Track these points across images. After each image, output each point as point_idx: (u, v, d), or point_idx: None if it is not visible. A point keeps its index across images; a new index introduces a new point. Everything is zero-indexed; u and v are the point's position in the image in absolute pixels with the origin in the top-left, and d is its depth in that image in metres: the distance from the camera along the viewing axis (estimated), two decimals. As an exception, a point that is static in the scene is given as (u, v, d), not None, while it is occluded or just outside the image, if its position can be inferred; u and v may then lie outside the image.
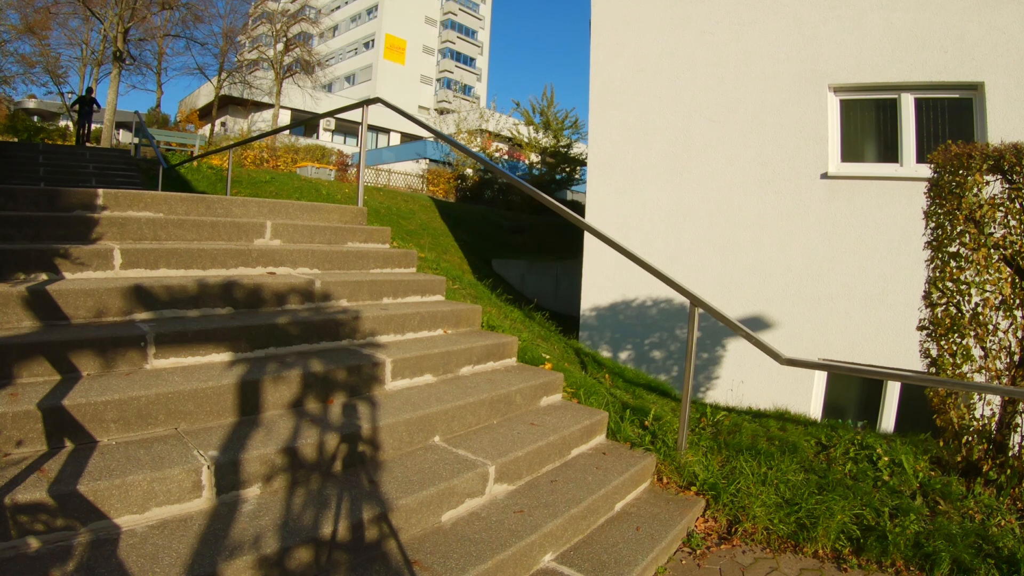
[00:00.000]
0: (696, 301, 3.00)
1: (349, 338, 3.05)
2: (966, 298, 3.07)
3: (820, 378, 6.25)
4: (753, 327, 6.26)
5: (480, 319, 3.92)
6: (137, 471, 1.77)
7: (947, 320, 3.13)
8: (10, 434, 1.80)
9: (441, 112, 43.26)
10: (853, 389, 6.38)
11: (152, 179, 9.83)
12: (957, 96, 5.90)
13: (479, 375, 3.26)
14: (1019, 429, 3.00)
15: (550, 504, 2.39)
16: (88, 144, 14.40)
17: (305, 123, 10.80)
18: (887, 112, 6.24)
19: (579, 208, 14.29)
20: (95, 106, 15.60)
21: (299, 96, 29.61)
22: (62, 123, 29.00)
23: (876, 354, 5.92)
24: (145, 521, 1.76)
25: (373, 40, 45.79)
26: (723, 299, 6.45)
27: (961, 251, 3.08)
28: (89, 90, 16.20)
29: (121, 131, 28.27)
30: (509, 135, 23.67)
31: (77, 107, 15.06)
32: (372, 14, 46.16)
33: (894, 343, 5.80)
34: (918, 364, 3.42)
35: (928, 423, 3.42)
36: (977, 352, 3.06)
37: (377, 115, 28.80)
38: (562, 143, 21.56)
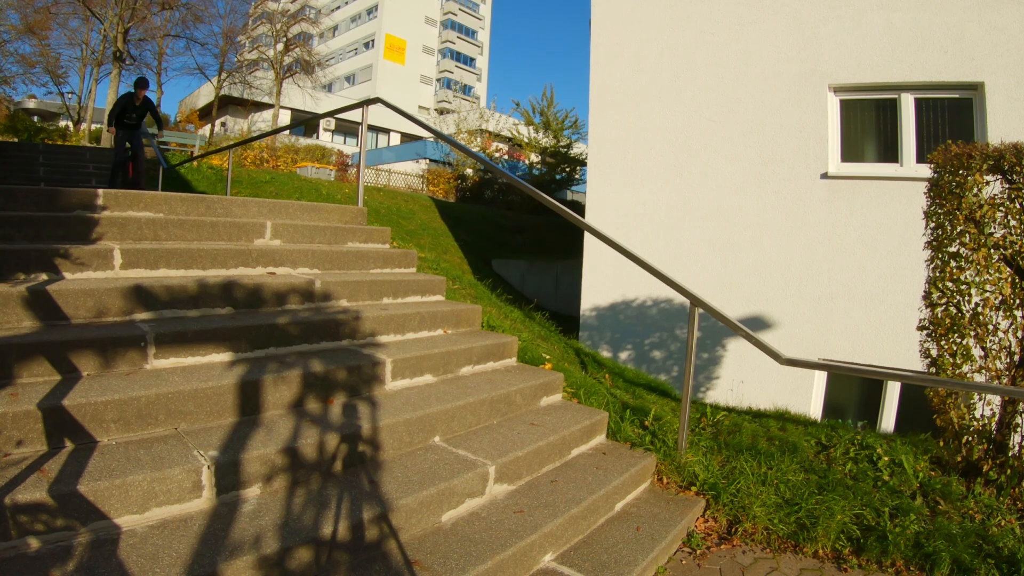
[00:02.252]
0: (696, 301, 3.00)
1: (349, 338, 3.05)
2: (966, 298, 3.07)
3: (820, 378, 6.25)
4: (753, 327, 6.25)
5: (480, 319, 3.92)
6: (137, 471, 1.77)
7: (947, 320, 3.12)
8: (10, 434, 1.80)
9: (441, 112, 43.25)
10: (853, 389, 6.38)
11: (152, 179, 9.82)
12: (957, 96, 5.89)
13: (479, 375, 3.25)
14: (1019, 429, 3.00)
15: (550, 504, 2.39)
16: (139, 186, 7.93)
17: (305, 123, 10.80)
18: (887, 112, 6.24)
19: (579, 208, 14.29)
20: (151, 114, 8.19)
21: (299, 96, 29.61)
22: (62, 123, 29.00)
23: (876, 354, 5.91)
24: (145, 521, 1.76)
25: (373, 40, 45.78)
26: (723, 299, 6.45)
27: (961, 251, 3.08)
28: (141, 82, 7.94)
29: (121, 131, 28.21)
30: (509, 135, 23.66)
31: (119, 113, 7.87)
32: (372, 14, 46.15)
33: (894, 343, 5.80)
34: (918, 364, 3.42)
35: (928, 423, 3.42)
36: (977, 352, 3.06)
37: (377, 115, 28.80)
38: (562, 143, 21.55)
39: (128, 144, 8.08)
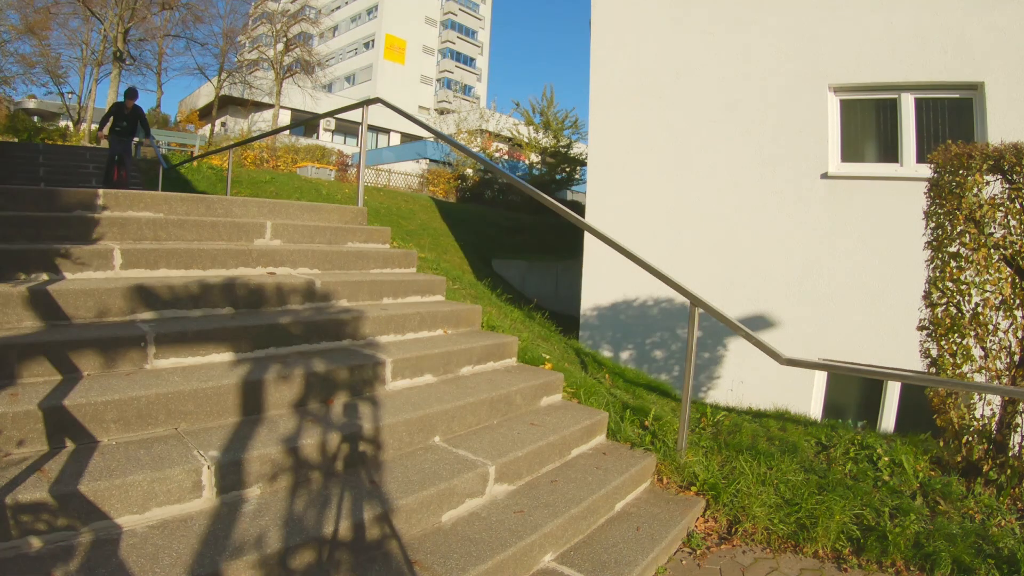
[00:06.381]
0: (696, 301, 3.00)
1: (350, 338, 3.05)
2: (966, 298, 3.07)
3: (820, 378, 6.25)
4: (753, 327, 6.25)
5: (480, 319, 3.92)
6: (137, 471, 1.77)
7: (947, 320, 3.13)
8: (11, 434, 1.80)
9: (441, 112, 43.26)
10: (853, 389, 6.39)
11: (152, 179, 9.83)
12: (957, 96, 5.90)
13: (479, 375, 3.25)
14: (1019, 429, 3.00)
15: (550, 504, 2.39)
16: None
17: (305, 123, 10.82)
18: (887, 112, 6.24)
19: (579, 208, 14.28)
20: (140, 124, 8.55)
21: (299, 96, 29.61)
22: (62, 123, 28.99)
23: (876, 354, 5.92)
24: (146, 521, 1.76)
25: (373, 40, 45.78)
26: (723, 299, 6.44)
27: (961, 251, 3.08)
28: (131, 92, 8.50)
29: (121, 131, 28.18)
30: (509, 135, 23.65)
31: (111, 123, 8.41)
32: (372, 14, 46.15)
33: (894, 343, 5.80)
34: (918, 364, 3.42)
35: (928, 423, 3.42)
36: (977, 352, 3.07)
37: (377, 115, 28.79)
38: (562, 143, 21.54)
39: (118, 151, 8.53)
